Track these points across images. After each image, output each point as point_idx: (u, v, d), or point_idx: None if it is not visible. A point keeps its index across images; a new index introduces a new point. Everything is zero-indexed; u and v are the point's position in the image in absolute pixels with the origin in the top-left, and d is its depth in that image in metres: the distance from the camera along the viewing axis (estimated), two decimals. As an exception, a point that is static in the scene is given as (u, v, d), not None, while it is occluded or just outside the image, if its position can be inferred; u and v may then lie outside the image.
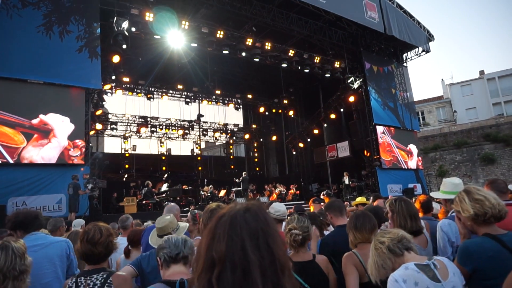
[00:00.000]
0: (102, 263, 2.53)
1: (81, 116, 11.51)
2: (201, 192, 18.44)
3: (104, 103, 16.77)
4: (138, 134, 22.85)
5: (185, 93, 22.52)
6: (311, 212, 4.77)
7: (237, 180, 18.80)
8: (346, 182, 18.60)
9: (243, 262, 1.02)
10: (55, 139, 10.92)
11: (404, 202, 3.01)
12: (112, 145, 22.92)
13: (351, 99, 18.92)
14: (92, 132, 14.58)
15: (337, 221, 3.68)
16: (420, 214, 3.64)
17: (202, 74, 19.77)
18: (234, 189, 19.29)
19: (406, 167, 19.17)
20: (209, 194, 18.31)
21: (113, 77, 16.23)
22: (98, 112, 16.44)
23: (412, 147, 19.97)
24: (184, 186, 17.84)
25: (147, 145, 24.10)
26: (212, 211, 2.89)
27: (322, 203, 6.47)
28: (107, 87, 16.56)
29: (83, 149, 11.32)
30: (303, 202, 17.26)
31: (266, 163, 27.53)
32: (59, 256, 2.95)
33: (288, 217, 3.08)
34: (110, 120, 21.55)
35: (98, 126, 18.31)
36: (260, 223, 1.08)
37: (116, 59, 13.31)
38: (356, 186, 18.52)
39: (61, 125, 11.05)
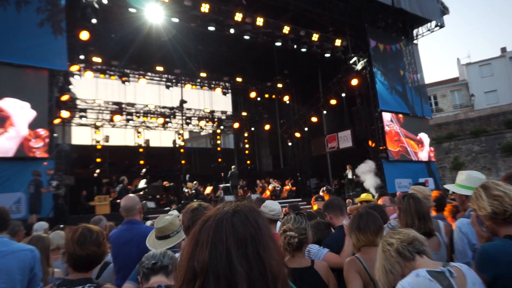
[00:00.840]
0: (90, 272, 2.50)
1: (44, 102, 11.33)
2: (184, 189, 18.40)
3: (71, 87, 16.53)
4: (111, 123, 22.63)
5: (166, 75, 22.30)
6: (309, 211, 4.77)
7: (224, 174, 18.78)
8: (350, 176, 18.70)
9: (227, 274, 1.01)
10: (12, 128, 10.74)
11: (412, 199, 3.00)
12: (81, 135, 22.69)
13: (354, 82, 18.94)
14: (57, 121, 14.35)
15: (337, 221, 3.68)
16: (433, 213, 3.65)
17: (185, 54, 19.58)
18: (221, 186, 19.26)
19: (416, 159, 19.33)
20: (194, 191, 18.29)
21: (82, 57, 15.98)
22: (64, 98, 16.17)
23: (423, 136, 20.12)
24: (164, 182, 17.79)
25: (121, 136, 23.90)
26: (193, 211, 2.86)
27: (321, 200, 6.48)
28: (74, 68, 16.30)
29: (47, 140, 11.15)
30: (300, 199, 17.35)
31: (258, 156, 27.53)
32: (20, 269, 2.80)
33: (284, 217, 3.05)
34: (79, 106, 21.29)
35: (65, 114, 18.01)
36: (249, 228, 1.07)
37: (84, 35, 13.08)
38: (360, 181, 18.60)
39: (19, 111, 10.86)
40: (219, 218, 1.09)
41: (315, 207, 6.34)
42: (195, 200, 17.60)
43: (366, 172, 16.02)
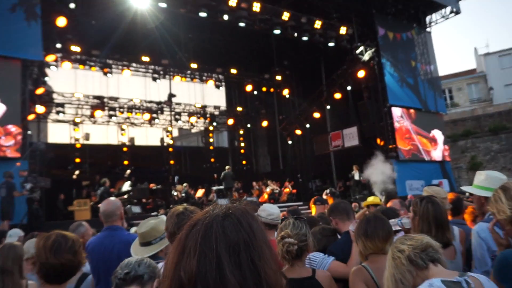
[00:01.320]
0: (64, 284, 2.48)
1: (16, 96, 11.27)
2: (173, 192, 18.38)
3: (47, 79, 16.48)
4: (92, 119, 22.58)
5: (152, 67, 22.26)
6: (310, 216, 4.77)
7: (217, 175, 18.76)
8: (356, 177, 18.73)
9: (218, 285, 0.99)
10: (-18, 125, 10.68)
11: (431, 203, 2.98)
12: (58, 133, 22.62)
13: (361, 74, 18.95)
14: (31, 116, 14.31)
15: (343, 226, 3.68)
16: (449, 217, 3.63)
17: (174, 43, 19.51)
18: (214, 188, 19.23)
19: (429, 159, 19.37)
20: (183, 194, 18.28)
21: (59, 46, 15.91)
22: (40, 91, 16.11)
23: (437, 134, 20.17)
24: (151, 185, 17.76)
25: (103, 133, 23.85)
26: (179, 216, 2.85)
27: (326, 205, 6.48)
28: (50, 58, 16.23)
29: (19, 138, 11.10)
30: (301, 203, 17.36)
31: (255, 155, 27.52)
32: None
33: (282, 223, 3.04)
34: (56, 101, 21.23)
35: (40, 109, 17.97)
36: (242, 233, 1.06)
37: (61, 22, 13.02)
38: (366, 183, 18.64)
39: (-11, 107, 10.81)
40: (208, 222, 1.07)
41: (313, 211, 6.34)
42: (185, 204, 17.61)
43: (379, 171, 16.01)
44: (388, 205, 5.57)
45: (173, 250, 1.09)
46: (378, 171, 15.13)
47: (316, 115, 21.99)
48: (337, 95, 20.51)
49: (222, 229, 1.05)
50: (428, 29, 21.47)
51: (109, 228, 3.78)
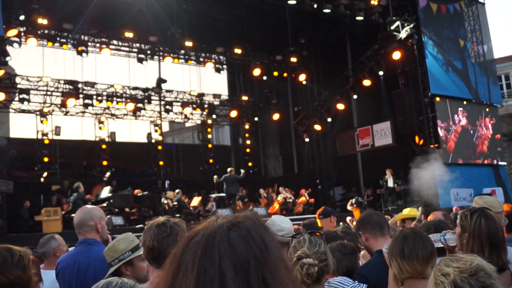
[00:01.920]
0: None
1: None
2: (163, 200, 18.38)
3: (8, 59, 16.50)
4: (63, 109, 22.61)
5: (138, 45, 22.23)
6: (329, 231, 4.76)
7: (216, 178, 18.74)
8: (390, 184, 18.66)
9: None
10: None
11: (485, 218, 2.96)
12: (22, 125, 22.66)
13: (396, 55, 18.86)
14: (-10, 106, 14.42)
15: (375, 243, 3.66)
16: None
17: (164, 15, 19.51)
18: (213, 195, 19.22)
19: (480, 162, 19.27)
20: (176, 203, 18.28)
21: (22, 18, 15.94)
22: (-1, 74, 16.24)
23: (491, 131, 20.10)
24: (136, 191, 17.79)
25: (77, 127, 23.85)
26: (159, 228, 2.88)
27: (332, 217, 6.44)
28: (12, 33, 16.29)
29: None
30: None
31: (263, 156, 27.47)
32: None
33: (294, 239, 3.04)
34: (19, 86, 21.24)
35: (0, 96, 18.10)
36: (253, 247, 1.06)
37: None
38: (402, 190, 18.58)
39: None
40: (211, 233, 1.08)
41: (319, 224, 6.31)
42: (177, 214, 17.62)
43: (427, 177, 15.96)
44: (430, 218, 5.55)
45: (166, 268, 1.09)
46: (427, 176, 15.15)
47: (340, 106, 21.91)
48: (366, 82, 20.42)
49: (227, 241, 1.05)
50: (481, 0, 21.33)
51: (84, 242, 3.80)
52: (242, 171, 19.30)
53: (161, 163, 24.16)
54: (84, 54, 20.82)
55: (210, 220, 1.14)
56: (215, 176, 19.10)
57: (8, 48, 16.13)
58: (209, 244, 1.05)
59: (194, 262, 1.04)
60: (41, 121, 22.11)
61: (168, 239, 2.80)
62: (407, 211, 6.47)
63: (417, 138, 18.68)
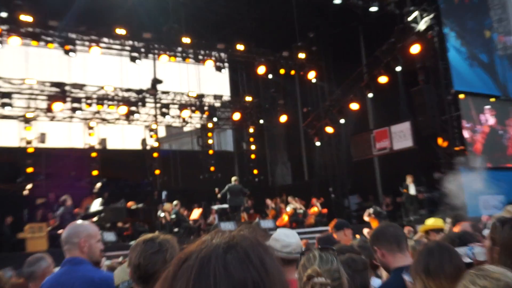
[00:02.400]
0: None
1: None
2: (159, 213, 18.39)
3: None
4: (49, 114, 22.69)
5: (130, 42, 22.28)
6: (345, 246, 4.71)
7: (219, 192, 18.74)
8: (412, 192, 18.59)
9: None
10: None
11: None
12: (4, 133, 22.74)
13: (415, 49, 18.84)
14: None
15: (393, 260, 3.61)
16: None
17: (160, 10, 19.57)
18: (215, 207, 19.21)
19: (511, 166, 19.20)
20: (174, 216, 18.28)
21: (4, 15, 15.99)
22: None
23: (521, 131, 20.04)
24: (130, 204, 17.80)
25: (65, 133, 23.97)
26: (146, 244, 2.89)
27: (345, 229, 6.39)
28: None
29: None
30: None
31: (270, 162, 27.48)
32: None
33: (303, 257, 3.00)
34: (0, 89, 21.34)
35: (-20, 101, 18.17)
36: (251, 270, 1.07)
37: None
38: (425, 198, 18.49)
39: None
40: (205, 255, 1.07)
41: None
42: (176, 229, 17.60)
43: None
44: (457, 229, 5.50)
45: None
46: (452, 182, 15.11)
47: (354, 106, 21.90)
48: (383, 79, 20.39)
49: (223, 265, 1.05)
50: (508, -14, 21.32)
51: (69, 262, 3.76)
52: (247, 191, 19.32)
53: (157, 172, 24.20)
54: (71, 54, 20.81)
55: (204, 239, 1.14)
56: (217, 189, 19.11)
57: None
58: (204, 269, 1.05)
59: None
60: (25, 128, 22.16)
61: (157, 256, 2.81)
62: (431, 222, 6.40)
63: (440, 140, 18.61)
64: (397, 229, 3.86)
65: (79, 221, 4.22)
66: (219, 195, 18.81)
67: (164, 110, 24.66)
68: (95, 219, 16.16)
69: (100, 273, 3.64)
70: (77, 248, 3.79)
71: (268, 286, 1.05)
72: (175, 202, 18.94)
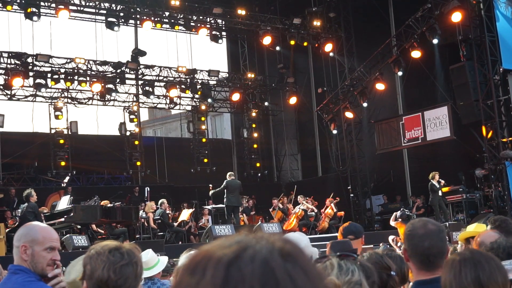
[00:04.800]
0: None
1: None
2: (141, 213, 18.40)
3: None
4: (7, 92, 22.69)
5: (107, 5, 22.21)
6: (372, 254, 4.72)
7: (212, 189, 18.76)
8: (438, 192, 18.53)
9: None
10: None
11: None
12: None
13: (456, 17, 18.76)
14: None
15: (417, 274, 3.63)
16: None
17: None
18: (208, 208, 19.22)
19: None
20: (159, 217, 18.31)
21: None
22: None
23: None
24: (104, 202, 17.80)
25: (27, 115, 23.97)
26: (113, 254, 2.84)
27: (364, 236, 6.39)
28: None
29: None
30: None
31: (275, 153, 27.48)
32: None
33: (319, 265, 3.03)
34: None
35: None
36: (314, 284, 1.09)
37: None
38: (464, 200, 18.50)
39: None
40: (264, 261, 1.07)
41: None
42: (160, 233, 17.60)
43: None
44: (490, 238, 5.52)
45: None
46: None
47: (380, 86, 21.86)
48: (416, 54, 20.31)
49: (287, 275, 1.05)
50: None
51: (9, 269, 3.79)
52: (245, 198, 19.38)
53: (138, 163, 24.17)
54: (35, 18, 20.80)
55: (234, 242, 1.12)
56: (211, 186, 19.07)
57: None
58: (269, 277, 1.05)
59: None
60: (-21, 108, 22.19)
61: (127, 269, 2.79)
62: (473, 228, 6.42)
63: (484, 129, 18.55)
64: (437, 241, 3.81)
65: (32, 223, 4.21)
66: (211, 192, 18.67)
67: (147, 88, 24.60)
68: (62, 219, 16.19)
69: (34, 285, 3.61)
70: (17, 255, 3.78)
71: None
72: (160, 201, 18.92)
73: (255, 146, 26.94)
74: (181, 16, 23.33)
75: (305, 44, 24.62)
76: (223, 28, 25.05)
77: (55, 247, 3.68)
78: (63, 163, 22.55)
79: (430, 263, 3.63)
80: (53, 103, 23.60)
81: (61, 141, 23.20)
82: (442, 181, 18.29)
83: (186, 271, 1.11)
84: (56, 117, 23.41)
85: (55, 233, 3.98)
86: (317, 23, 23.45)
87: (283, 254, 1.08)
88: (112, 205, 17.69)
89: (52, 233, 3.89)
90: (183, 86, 25.59)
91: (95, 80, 23.42)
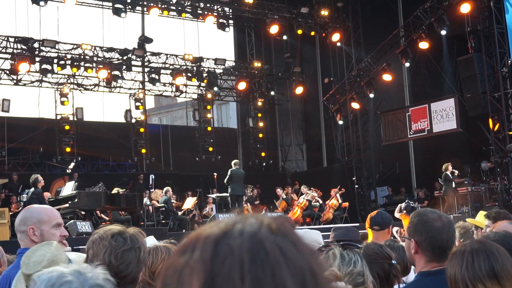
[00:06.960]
0: None
1: None
2: (145, 200, 18.43)
3: None
4: (13, 77, 22.69)
5: (114, -9, 22.25)
6: (370, 244, 4.72)
7: (217, 175, 18.78)
8: (452, 183, 18.52)
9: None
10: None
11: None
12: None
13: (465, 8, 18.66)
14: None
15: (425, 265, 3.63)
16: None
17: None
18: (213, 196, 19.24)
19: None
20: (163, 205, 18.33)
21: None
22: None
23: None
24: (111, 190, 17.85)
25: (33, 101, 23.97)
26: (116, 239, 2.85)
27: (389, 228, 6.39)
28: None
29: None
30: (357, 225, 17.33)
31: (281, 143, 27.47)
32: None
33: (322, 254, 3.03)
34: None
35: None
36: (306, 257, 1.08)
37: None
38: (469, 192, 18.46)
39: None
40: (252, 235, 1.07)
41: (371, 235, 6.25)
42: (163, 221, 17.63)
43: None
44: (497, 226, 5.52)
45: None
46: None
47: (387, 77, 21.78)
48: (423, 45, 20.24)
49: (278, 247, 1.05)
50: None
51: (19, 254, 3.79)
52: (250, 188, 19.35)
53: (143, 151, 24.19)
54: (42, 3, 20.79)
55: (223, 221, 1.12)
56: (216, 175, 19.06)
57: None
58: (258, 250, 1.05)
59: (242, 272, 1.02)
60: (-16, 93, 22.20)
61: (130, 254, 2.79)
62: (476, 217, 6.44)
63: (491, 122, 18.50)
64: (452, 234, 3.80)
65: (34, 206, 4.21)
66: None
67: (153, 76, 24.59)
68: (67, 205, 16.23)
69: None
70: (26, 238, 3.80)
71: (319, 276, 1.07)
72: (165, 189, 18.96)
73: (260, 135, 26.91)
74: (188, 4, 23.28)
75: (313, 33, 24.56)
76: (230, 16, 24.98)
77: (60, 223, 3.80)
78: (68, 149, 22.57)
79: (442, 255, 3.64)
80: (59, 89, 23.63)
81: (67, 127, 23.22)
82: (456, 171, 18.28)
83: (177, 253, 1.11)
84: (62, 103, 23.43)
85: (56, 210, 4.12)
86: (324, 12, 23.40)
87: (272, 229, 1.08)
88: (117, 192, 17.73)
89: (53, 210, 4.03)
90: (189, 74, 25.56)
91: (101, 66, 23.38)
